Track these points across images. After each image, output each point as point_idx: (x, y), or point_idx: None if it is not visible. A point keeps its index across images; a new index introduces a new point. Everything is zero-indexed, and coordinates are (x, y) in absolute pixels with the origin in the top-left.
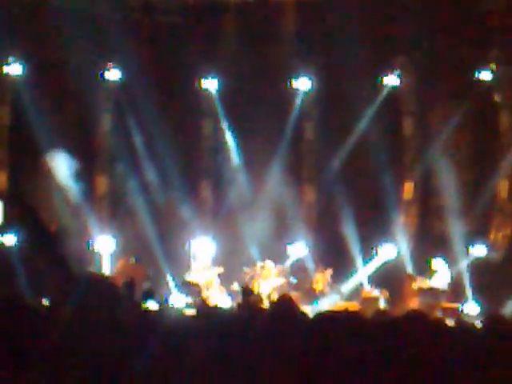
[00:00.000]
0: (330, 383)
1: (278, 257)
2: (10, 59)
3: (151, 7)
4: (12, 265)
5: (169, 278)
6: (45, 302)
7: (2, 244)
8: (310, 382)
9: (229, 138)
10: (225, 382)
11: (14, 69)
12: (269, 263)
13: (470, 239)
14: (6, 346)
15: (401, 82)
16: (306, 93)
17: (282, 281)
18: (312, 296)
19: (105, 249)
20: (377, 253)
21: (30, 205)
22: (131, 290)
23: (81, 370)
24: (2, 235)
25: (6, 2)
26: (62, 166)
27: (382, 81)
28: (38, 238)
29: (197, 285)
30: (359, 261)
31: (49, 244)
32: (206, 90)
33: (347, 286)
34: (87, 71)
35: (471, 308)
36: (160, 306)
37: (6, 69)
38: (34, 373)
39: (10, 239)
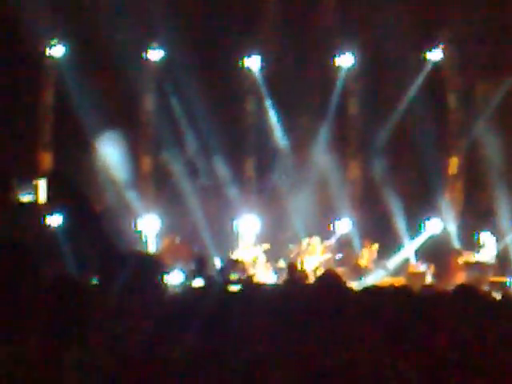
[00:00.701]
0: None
1: (324, 233)
2: (53, 41)
3: None
4: (59, 244)
5: (215, 256)
6: (93, 280)
7: (48, 224)
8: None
9: (272, 115)
10: (267, 357)
11: (57, 50)
12: (314, 239)
13: None
14: (59, 321)
15: (444, 56)
16: (348, 69)
17: (327, 257)
18: (358, 272)
19: (151, 228)
20: (423, 227)
21: (76, 184)
22: (202, 266)
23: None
24: (49, 215)
25: None
26: (108, 146)
27: (425, 56)
28: (84, 217)
29: (243, 262)
30: (405, 236)
31: (95, 223)
32: (249, 68)
33: (393, 262)
34: (130, 51)
35: None
36: (206, 283)
37: (49, 51)
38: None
39: (56, 219)
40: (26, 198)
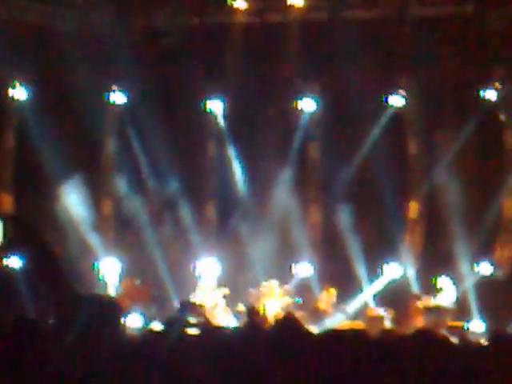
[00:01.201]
0: None
1: (283, 277)
2: (16, 83)
3: (155, 30)
4: (16, 286)
5: (173, 300)
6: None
7: (6, 266)
8: None
9: (234, 158)
10: None
11: (19, 92)
12: (274, 283)
13: (476, 258)
14: (10, 365)
15: (405, 102)
16: (310, 113)
17: (286, 301)
18: (317, 315)
19: (110, 270)
20: (382, 272)
21: (35, 227)
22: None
23: None
24: (6, 257)
25: (11, 26)
26: (69, 189)
27: (386, 101)
28: (42, 259)
29: (202, 306)
30: (364, 280)
31: (54, 265)
32: (211, 111)
33: (352, 306)
34: (92, 94)
35: (476, 326)
36: (165, 326)
37: (11, 92)
38: None
39: (13, 261)
40: None
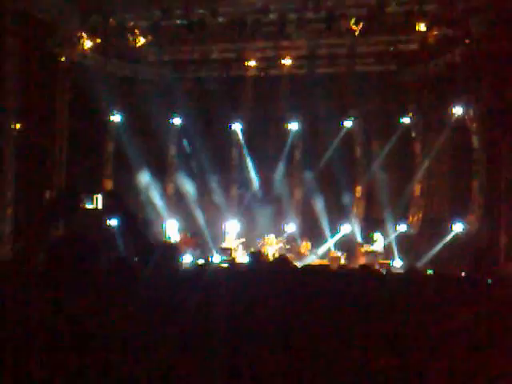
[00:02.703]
0: (311, 309)
1: (278, 232)
2: (114, 111)
3: (200, 79)
4: (114, 238)
5: (211, 245)
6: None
7: (109, 225)
8: (295, 305)
9: (248, 159)
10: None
11: (116, 117)
12: (272, 236)
13: (396, 221)
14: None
15: (353, 124)
16: (295, 131)
17: (280, 247)
18: (299, 256)
19: (172, 228)
20: (339, 229)
21: (123, 200)
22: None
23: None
24: (108, 219)
25: (110, 77)
26: (146, 176)
27: (342, 124)
28: (129, 221)
29: (229, 249)
30: (328, 234)
31: (137, 225)
32: (234, 130)
33: (321, 250)
34: (161, 118)
35: (397, 263)
36: (206, 262)
37: (111, 117)
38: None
39: (112, 221)
40: (89, 206)
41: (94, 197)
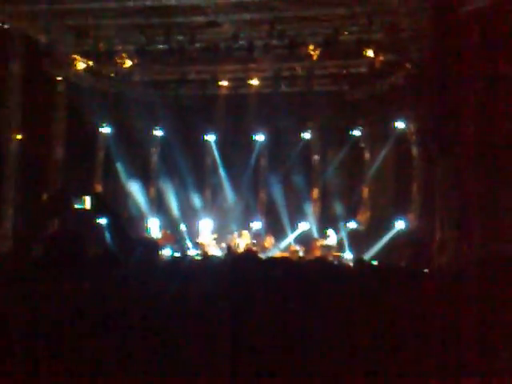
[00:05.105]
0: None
1: (246, 228)
2: (103, 124)
3: (177, 97)
4: (103, 234)
5: (188, 241)
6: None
7: (98, 223)
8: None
9: (220, 166)
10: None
11: (105, 129)
12: (241, 232)
13: (348, 218)
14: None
15: (311, 136)
16: (261, 142)
17: (248, 241)
18: (264, 249)
19: (154, 225)
20: (298, 226)
21: (109, 201)
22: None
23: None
24: (98, 218)
25: (101, 93)
26: (131, 183)
27: (301, 136)
28: (114, 220)
29: (203, 244)
30: (288, 230)
31: (121, 223)
32: (208, 141)
33: (282, 244)
34: (144, 130)
35: (348, 255)
36: (182, 254)
37: (101, 129)
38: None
39: (101, 220)
40: (78, 206)
41: (83, 198)
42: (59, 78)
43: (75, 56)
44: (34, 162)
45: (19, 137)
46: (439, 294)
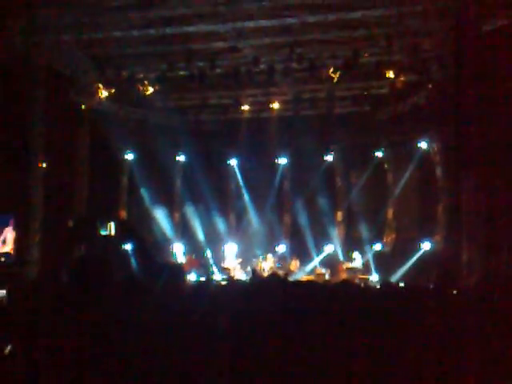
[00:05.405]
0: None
1: (271, 252)
2: (127, 150)
3: (201, 122)
4: (128, 259)
5: (213, 265)
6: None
7: (124, 248)
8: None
9: (243, 189)
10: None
11: (129, 156)
12: (266, 255)
13: (373, 240)
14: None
15: (334, 158)
16: (283, 165)
17: (273, 264)
18: (289, 273)
19: (179, 250)
20: (323, 249)
21: (135, 227)
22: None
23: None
24: (123, 243)
25: (126, 121)
26: (156, 208)
27: (323, 158)
28: (140, 245)
29: (228, 268)
30: (314, 253)
31: (147, 248)
32: (231, 165)
33: (308, 267)
34: (168, 156)
35: (374, 278)
36: (207, 279)
37: (125, 156)
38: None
39: (126, 246)
40: (104, 232)
41: (108, 224)
42: (83, 107)
43: (98, 84)
44: (59, 188)
45: (45, 165)
46: (469, 314)
